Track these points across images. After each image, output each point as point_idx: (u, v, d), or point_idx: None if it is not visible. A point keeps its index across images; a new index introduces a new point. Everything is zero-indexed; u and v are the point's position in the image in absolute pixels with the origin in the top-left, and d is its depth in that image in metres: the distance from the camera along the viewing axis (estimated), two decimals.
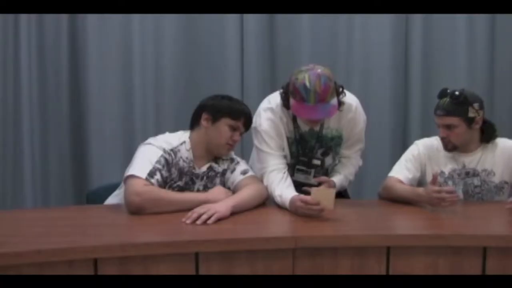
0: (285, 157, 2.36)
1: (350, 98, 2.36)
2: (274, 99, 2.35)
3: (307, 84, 2.12)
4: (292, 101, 2.21)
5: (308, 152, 2.39)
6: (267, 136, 2.31)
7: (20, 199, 3.25)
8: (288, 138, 2.37)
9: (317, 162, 2.39)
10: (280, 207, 2.20)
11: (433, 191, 2.10)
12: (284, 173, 2.29)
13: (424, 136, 2.53)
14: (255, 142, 2.36)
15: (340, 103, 2.26)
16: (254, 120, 2.34)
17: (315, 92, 2.12)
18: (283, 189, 2.21)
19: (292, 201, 2.11)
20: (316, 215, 2.03)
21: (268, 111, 2.33)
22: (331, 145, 2.42)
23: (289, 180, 2.28)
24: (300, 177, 2.39)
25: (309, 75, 2.14)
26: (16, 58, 3.21)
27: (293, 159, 2.41)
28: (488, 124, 2.32)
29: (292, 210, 2.11)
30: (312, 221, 2.03)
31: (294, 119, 2.35)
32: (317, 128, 2.37)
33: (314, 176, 2.37)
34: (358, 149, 2.49)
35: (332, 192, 2.06)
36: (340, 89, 2.25)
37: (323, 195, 2.02)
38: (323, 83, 2.13)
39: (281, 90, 2.29)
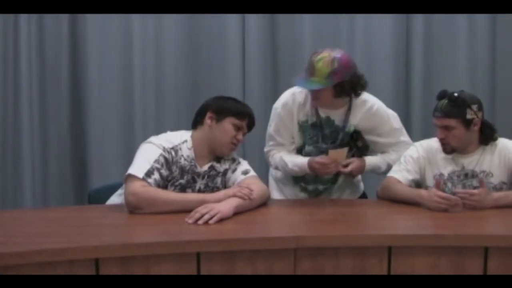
0: (292, 143, 2.45)
1: (368, 97, 2.41)
2: None
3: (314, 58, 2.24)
4: None
5: (320, 139, 2.42)
6: (280, 121, 2.42)
7: (20, 199, 3.25)
8: (302, 122, 2.41)
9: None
10: (282, 206, 2.28)
11: (436, 195, 2.12)
12: (289, 152, 2.45)
13: (425, 136, 2.53)
14: (270, 121, 2.47)
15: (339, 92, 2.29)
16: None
17: (312, 65, 2.23)
18: (294, 158, 2.40)
19: (310, 164, 2.31)
20: (334, 172, 2.33)
21: (288, 92, 2.43)
22: (348, 140, 2.44)
23: (296, 155, 2.44)
24: None
25: (329, 53, 2.24)
26: (16, 58, 3.21)
27: (309, 145, 2.44)
28: (487, 125, 2.30)
29: (311, 172, 2.36)
30: (313, 221, 2.04)
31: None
32: (334, 118, 2.40)
33: None
34: (396, 140, 2.45)
35: (344, 150, 2.34)
36: (358, 90, 2.33)
37: (337, 154, 2.32)
38: (328, 65, 2.21)
39: None
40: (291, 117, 2.40)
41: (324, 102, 2.33)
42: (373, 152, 2.48)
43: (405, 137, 2.49)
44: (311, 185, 2.50)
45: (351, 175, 2.42)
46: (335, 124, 2.41)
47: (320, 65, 2.22)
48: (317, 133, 2.42)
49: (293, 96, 2.39)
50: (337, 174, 2.47)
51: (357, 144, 2.42)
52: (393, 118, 2.45)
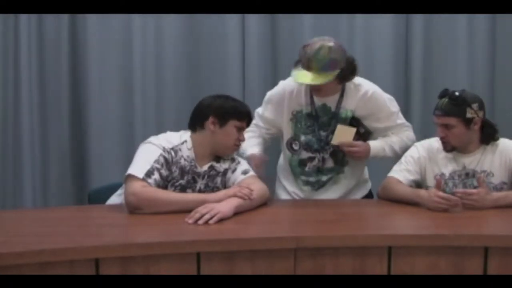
0: (268, 133, 2.54)
1: (362, 81, 2.41)
2: None
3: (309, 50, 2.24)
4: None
5: (316, 127, 2.43)
6: (265, 110, 2.50)
7: (20, 199, 3.25)
8: (297, 112, 2.42)
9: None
10: (282, 206, 2.30)
11: (436, 196, 2.12)
12: (258, 137, 2.52)
13: (425, 136, 2.53)
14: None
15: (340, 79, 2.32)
16: None
17: (310, 59, 2.23)
18: (248, 147, 2.43)
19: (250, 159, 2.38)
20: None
21: (286, 81, 2.44)
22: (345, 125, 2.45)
23: (257, 141, 2.49)
24: None
25: (322, 44, 2.23)
26: (16, 58, 3.21)
27: (307, 135, 2.45)
28: (489, 125, 2.31)
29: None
30: (313, 221, 2.04)
31: (311, 92, 2.41)
32: (330, 104, 2.40)
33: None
34: (394, 123, 2.47)
35: (353, 129, 2.35)
36: (349, 75, 2.32)
37: (344, 130, 2.35)
38: (326, 56, 2.21)
39: None
40: (280, 108, 2.44)
41: (327, 92, 2.36)
42: (373, 138, 2.49)
43: (401, 119, 2.51)
44: (313, 177, 2.50)
45: (358, 156, 2.41)
46: (332, 110, 2.42)
47: (319, 58, 2.23)
48: (314, 122, 2.42)
49: (285, 87, 2.42)
50: (342, 164, 2.48)
51: (359, 130, 2.42)
52: (389, 101, 2.46)
